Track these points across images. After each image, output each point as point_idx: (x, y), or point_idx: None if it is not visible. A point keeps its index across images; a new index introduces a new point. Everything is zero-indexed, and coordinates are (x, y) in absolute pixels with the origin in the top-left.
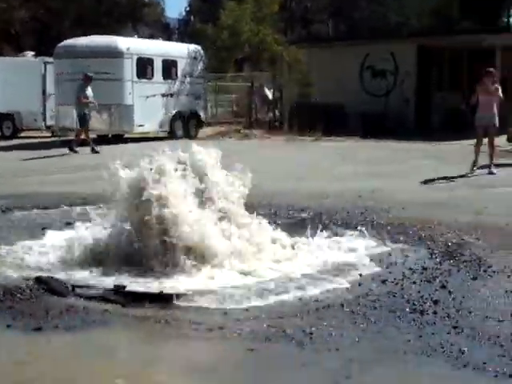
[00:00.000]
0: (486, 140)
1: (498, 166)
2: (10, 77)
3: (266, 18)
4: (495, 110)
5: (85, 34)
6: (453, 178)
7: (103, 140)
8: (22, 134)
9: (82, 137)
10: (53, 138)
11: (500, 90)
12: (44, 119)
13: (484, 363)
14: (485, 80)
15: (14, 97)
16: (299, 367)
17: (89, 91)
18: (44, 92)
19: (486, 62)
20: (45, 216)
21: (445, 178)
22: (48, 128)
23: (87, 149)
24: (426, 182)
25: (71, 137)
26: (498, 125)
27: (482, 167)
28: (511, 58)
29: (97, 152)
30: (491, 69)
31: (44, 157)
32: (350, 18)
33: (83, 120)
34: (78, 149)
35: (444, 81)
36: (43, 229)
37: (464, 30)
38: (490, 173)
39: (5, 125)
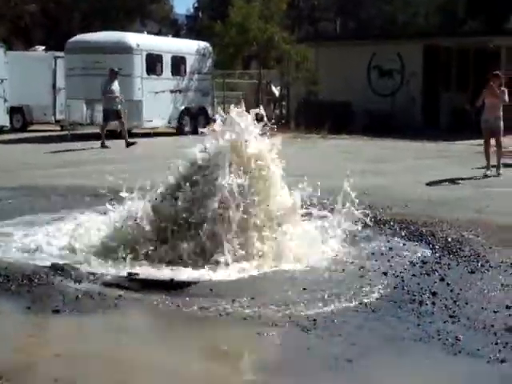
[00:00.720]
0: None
1: (504, 165)
2: (21, 71)
3: (273, 16)
4: (500, 113)
5: (93, 29)
6: (457, 177)
7: (112, 135)
8: (32, 128)
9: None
10: (62, 132)
11: (506, 94)
12: (54, 113)
13: (478, 350)
14: (491, 83)
15: (24, 90)
16: (304, 350)
17: (115, 86)
18: (54, 86)
19: (492, 62)
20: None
21: (449, 177)
22: (57, 122)
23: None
24: (429, 180)
25: (80, 131)
26: (502, 127)
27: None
28: None
29: (106, 147)
30: (498, 72)
31: (70, 150)
32: (357, 17)
33: (108, 115)
34: (108, 143)
35: (450, 81)
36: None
37: (470, 31)
38: (498, 174)
39: (15, 118)
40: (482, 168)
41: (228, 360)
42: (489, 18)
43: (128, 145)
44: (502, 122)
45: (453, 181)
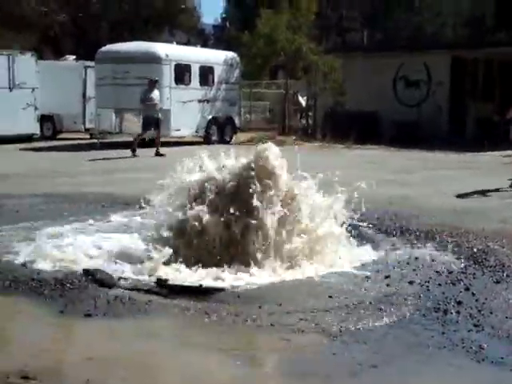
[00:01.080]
0: None
1: None
2: (52, 80)
3: (301, 27)
4: None
5: (122, 39)
6: (483, 188)
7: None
8: (61, 136)
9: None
10: (92, 140)
11: None
12: (83, 122)
13: (501, 358)
14: None
15: (54, 99)
16: (330, 356)
17: (155, 94)
18: (84, 95)
19: None
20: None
21: (475, 188)
22: (87, 130)
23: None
24: (455, 190)
25: (110, 139)
26: None
27: None
28: None
29: (136, 156)
30: None
31: (104, 158)
32: (385, 27)
33: (147, 123)
34: (162, 152)
35: (477, 91)
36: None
37: (497, 41)
38: None
39: (45, 126)
40: (509, 180)
41: (255, 365)
42: None
43: (157, 154)
44: None
45: (478, 191)
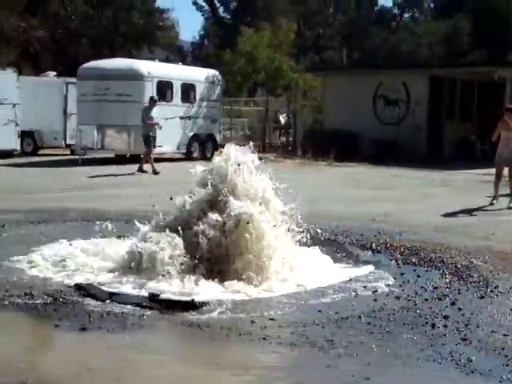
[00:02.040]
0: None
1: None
2: (33, 96)
3: (281, 46)
4: None
5: (101, 56)
6: (463, 206)
7: (123, 159)
8: (42, 152)
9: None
10: (73, 156)
11: None
12: (64, 138)
13: (490, 370)
14: (505, 117)
15: (35, 115)
16: (323, 369)
17: (154, 113)
18: (65, 111)
19: (497, 93)
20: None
21: (454, 205)
22: (68, 146)
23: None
24: (435, 208)
25: (91, 155)
26: None
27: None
28: None
29: (144, 171)
30: None
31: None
32: (363, 46)
33: (148, 141)
34: (146, 168)
35: (455, 111)
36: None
37: (475, 62)
38: (509, 207)
39: (26, 142)
40: (489, 197)
41: (248, 378)
42: (492, 50)
43: (140, 170)
44: None
45: (458, 209)
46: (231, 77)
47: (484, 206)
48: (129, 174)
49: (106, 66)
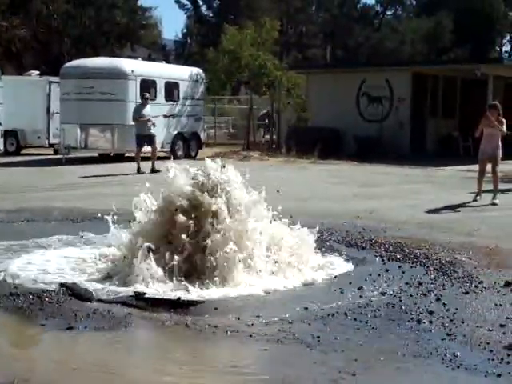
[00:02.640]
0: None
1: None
2: (15, 95)
3: (265, 44)
4: (499, 143)
5: (84, 54)
6: (446, 202)
7: (106, 158)
8: (25, 151)
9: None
10: (57, 156)
11: (504, 124)
12: (48, 137)
13: (475, 365)
14: (488, 113)
15: (18, 114)
16: (310, 365)
17: (146, 110)
18: (48, 110)
19: (479, 90)
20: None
21: (438, 201)
22: (51, 146)
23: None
24: (419, 204)
25: (74, 154)
26: (501, 156)
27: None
28: (502, 86)
29: (157, 171)
30: (495, 102)
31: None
32: (345, 44)
33: (139, 141)
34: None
35: (437, 107)
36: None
37: (457, 59)
38: (493, 204)
39: (8, 141)
40: (472, 193)
41: (236, 375)
42: (474, 47)
43: (153, 171)
44: (500, 151)
45: (442, 205)
46: (215, 75)
47: (468, 202)
48: (138, 173)
49: (89, 65)
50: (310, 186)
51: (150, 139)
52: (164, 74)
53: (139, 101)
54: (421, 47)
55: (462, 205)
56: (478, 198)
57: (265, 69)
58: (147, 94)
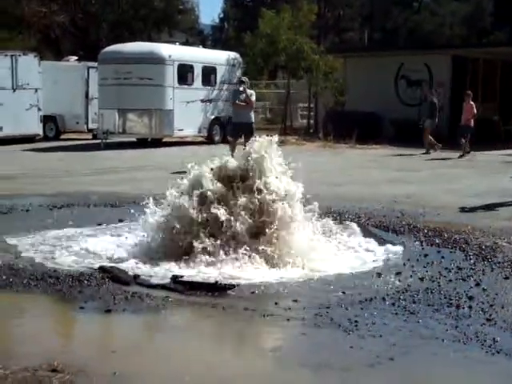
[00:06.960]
0: None
1: None
2: (55, 80)
3: (302, 27)
4: None
5: (122, 40)
6: (486, 186)
7: (144, 143)
8: (64, 136)
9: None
10: (95, 141)
11: None
12: (86, 122)
13: None
14: None
15: (57, 100)
16: (347, 349)
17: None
18: (87, 96)
19: None
20: None
21: (478, 186)
22: (90, 131)
23: None
24: (460, 189)
25: (112, 139)
26: None
27: None
28: None
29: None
30: None
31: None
32: (383, 27)
33: (235, 129)
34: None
35: (478, 91)
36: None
37: (498, 41)
38: None
39: (48, 126)
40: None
41: (273, 357)
42: None
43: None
44: None
45: (482, 190)
46: (252, 59)
47: (509, 187)
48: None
49: (127, 50)
50: (347, 171)
51: (248, 128)
52: (201, 59)
53: (177, 85)
54: (460, 30)
55: (503, 190)
56: None
57: (302, 53)
58: (242, 78)
